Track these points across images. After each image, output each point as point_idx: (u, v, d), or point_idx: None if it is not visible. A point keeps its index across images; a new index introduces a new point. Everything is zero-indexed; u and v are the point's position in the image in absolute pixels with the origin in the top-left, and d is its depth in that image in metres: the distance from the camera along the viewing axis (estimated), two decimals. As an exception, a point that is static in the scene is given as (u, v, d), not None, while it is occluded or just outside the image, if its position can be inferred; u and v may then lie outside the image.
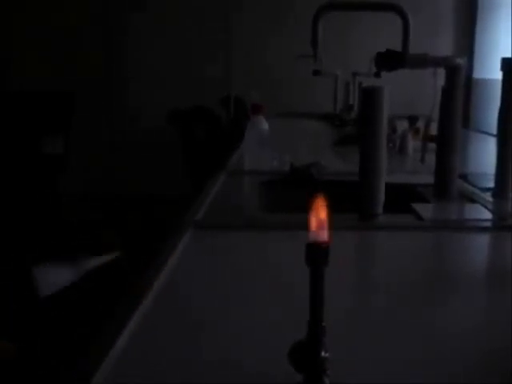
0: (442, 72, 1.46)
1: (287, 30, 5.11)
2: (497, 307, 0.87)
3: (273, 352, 0.65)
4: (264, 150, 1.97)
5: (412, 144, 2.28)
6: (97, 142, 5.32)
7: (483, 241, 1.25)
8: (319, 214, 0.55)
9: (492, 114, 1.57)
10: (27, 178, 4.72)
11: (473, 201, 1.46)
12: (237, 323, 0.77)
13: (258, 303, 0.84)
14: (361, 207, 1.31)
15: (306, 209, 0.56)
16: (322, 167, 1.76)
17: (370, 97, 1.28)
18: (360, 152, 1.31)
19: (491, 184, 1.49)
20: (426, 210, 1.36)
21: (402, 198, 1.47)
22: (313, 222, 0.55)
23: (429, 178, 1.54)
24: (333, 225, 0.56)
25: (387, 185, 1.31)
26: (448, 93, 1.44)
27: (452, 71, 1.43)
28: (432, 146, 1.69)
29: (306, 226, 0.55)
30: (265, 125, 2.02)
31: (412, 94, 4.31)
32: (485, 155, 2.56)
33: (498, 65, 1.44)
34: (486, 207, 1.39)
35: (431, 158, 1.62)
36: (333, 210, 0.57)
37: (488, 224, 1.30)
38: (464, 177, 1.68)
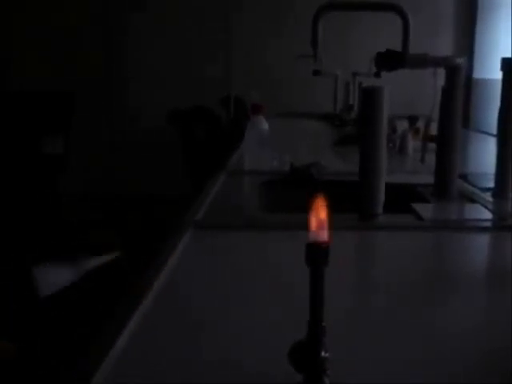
0: (442, 72, 1.46)
1: (287, 30, 5.11)
2: (497, 307, 0.87)
3: (273, 352, 0.65)
4: (264, 149, 1.97)
5: (412, 144, 2.28)
6: (97, 142, 5.32)
7: (483, 241, 1.25)
8: (319, 213, 0.55)
9: (492, 114, 1.57)
10: (27, 178, 4.72)
11: (473, 201, 1.46)
12: (237, 323, 0.77)
13: (257, 303, 0.84)
14: (361, 207, 1.31)
15: (306, 209, 0.56)
16: (322, 167, 1.76)
17: (369, 97, 1.28)
18: (360, 152, 1.31)
19: (491, 184, 1.49)
20: (425, 210, 1.36)
21: (402, 197, 1.47)
22: (313, 222, 0.55)
23: (429, 178, 1.54)
24: (333, 225, 0.56)
25: (387, 185, 1.31)
26: (448, 93, 1.44)
27: (452, 71, 1.43)
28: (432, 146, 1.69)
29: (305, 226, 0.55)
30: (265, 125, 2.01)
31: (412, 94, 4.31)
32: (485, 155, 2.56)
33: (498, 65, 1.44)
34: (486, 207, 1.39)
35: (431, 158, 1.62)
36: (333, 210, 0.57)
37: (488, 224, 1.30)
38: (464, 177, 1.68)
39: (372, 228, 1.27)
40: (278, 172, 1.80)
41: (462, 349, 0.72)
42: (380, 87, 1.29)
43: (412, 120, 2.55)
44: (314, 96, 4.88)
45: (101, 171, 5.31)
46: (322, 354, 0.56)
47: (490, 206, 1.39)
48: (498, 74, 1.46)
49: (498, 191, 1.46)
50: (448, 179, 1.47)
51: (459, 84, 1.43)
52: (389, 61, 1.41)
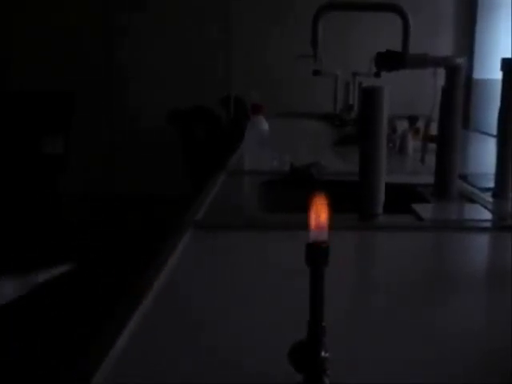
0: (442, 72, 1.46)
1: (287, 30, 5.11)
2: (497, 307, 0.87)
3: (273, 352, 0.65)
4: (264, 149, 1.97)
5: (412, 144, 2.28)
6: (97, 142, 5.32)
7: (483, 241, 1.25)
8: (319, 213, 0.55)
9: (492, 114, 1.57)
10: (27, 178, 4.72)
11: (473, 201, 1.46)
12: (237, 323, 0.77)
13: (257, 303, 0.84)
14: (361, 207, 1.31)
15: (306, 209, 0.56)
16: (322, 167, 1.76)
17: (370, 97, 1.28)
18: (360, 152, 1.31)
19: (491, 184, 1.49)
20: (425, 210, 1.36)
21: (402, 198, 1.47)
22: (313, 222, 0.55)
23: (429, 178, 1.54)
24: (333, 225, 0.56)
25: (387, 185, 1.31)
26: (448, 93, 1.44)
27: (452, 71, 1.43)
28: (432, 146, 1.69)
29: (306, 226, 0.55)
30: (265, 125, 2.02)
31: (412, 94, 4.31)
32: (485, 155, 2.56)
33: (498, 65, 1.44)
34: (485, 207, 1.39)
35: (431, 158, 1.62)
36: (333, 209, 0.57)
37: (488, 224, 1.30)
38: (464, 177, 1.68)
39: (372, 228, 1.27)
40: (278, 172, 1.80)
41: (462, 349, 0.72)
42: (380, 87, 1.29)
43: (412, 120, 2.55)
44: (313, 96, 4.89)
45: (101, 171, 5.31)
46: (322, 354, 0.56)
47: (490, 207, 1.39)
48: (498, 74, 1.46)
49: (498, 191, 1.46)
50: (448, 179, 1.47)
51: (459, 84, 1.43)
52: (389, 61, 1.41)
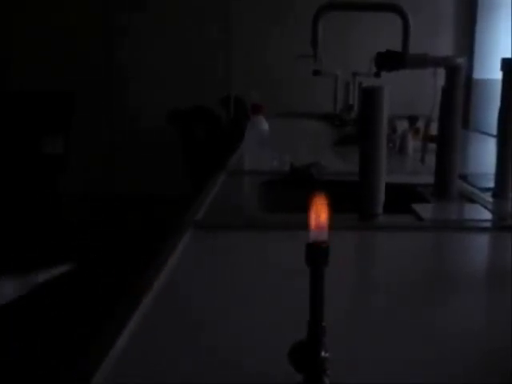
0: (441, 72, 1.46)
1: (287, 30, 5.11)
2: (497, 307, 0.87)
3: (273, 352, 0.65)
4: (264, 149, 1.97)
5: (412, 144, 2.28)
6: (97, 142, 5.32)
7: (483, 241, 1.25)
8: (319, 213, 0.55)
9: (492, 114, 1.57)
10: (27, 178, 4.72)
11: (473, 201, 1.46)
12: (237, 323, 0.77)
13: (257, 303, 0.84)
14: (361, 207, 1.31)
15: (306, 209, 0.56)
16: (322, 167, 1.76)
17: (370, 97, 1.28)
18: (360, 152, 1.31)
19: (491, 184, 1.49)
20: (425, 210, 1.36)
21: (402, 198, 1.47)
22: (313, 222, 0.55)
23: (429, 178, 1.54)
24: (333, 225, 0.56)
25: (387, 185, 1.31)
26: (448, 93, 1.44)
27: (452, 71, 1.43)
28: (432, 146, 1.69)
29: (306, 226, 0.55)
30: (265, 125, 2.02)
31: (412, 94, 4.31)
32: (485, 155, 2.56)
33: (498, 65, 1.44)
34: (485, 207, 1.39)
35: (431, 159, 1.62)
36: (333, 209, 0.57)
37: (488, 224, 1.30)
38: (464, 177, 1.68)
39: (372, 228, 1.27)
40: (278, 172, 1.80)
41: (462, 349, 0.72)
42: (380, 87, 1.29)
43: (412, 120, 2.55)
44: (314, 96, 4.89)
45: (101, 171, 5.31)
46: (322, 354, 0.56)
47: (490, 207, 1.39)
48: (498, 74, 1.46)
49: (498, 191, 1.46)
50: (448, 179, 1.47)
51: (459, 84, 1.43)
52: (389, 61, 1.41)
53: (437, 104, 1.50)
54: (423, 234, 1.24)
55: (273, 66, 5.17)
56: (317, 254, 0.54)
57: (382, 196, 1.30)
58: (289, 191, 1.70)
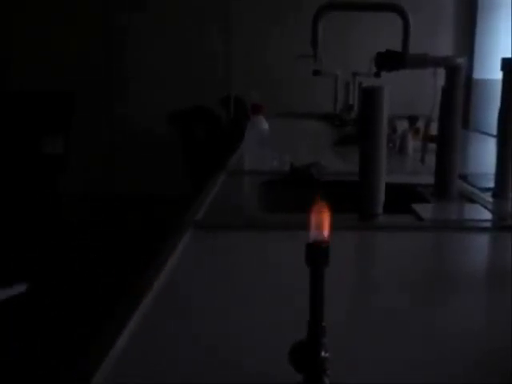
0: (441, 72, 1.46)
1: (287, 30, 5.11)
2: (497, 307, 0.87)
3: (273, 352, 0.65)
4: (264, 149, 1.97)
5: (412, 144, 2.28)
6: (97, 142, 5.32)
7: (483, 241, 1.25)
8: (319, 213, 0.55)
9: (492, 114, 1.57)
10: (27, 178, 4.72)
11: (473, 201, 1.46)
12: (237, 323, 0.77)
13: (258, 303, 0.84)
14: (361, 207, 1.31)
15: (306, 209, 0.56)
16: (322, 167, 1.76)
17: (370, 97, 1.28)
18: (360, 152, 1.31)
19: (491, 184, 1.49)
20: (425, 210, 1.36)
21: (402, 198, 1.47)
22: (313, 222, 0.55)
23: (429, 178, 1.54)
24: (333, 225, 0.56)
25: (387, 185, 1.31)
26: (448, 93, 1.44)
27: (452, 71, 1.43)
28: (432, 146, 1.69)
29: (305, 226, 0.55)
30: (265, 125, 2.01)
31: (412, 94, 4.31)
32: (485, 155, 2.56)
33: (498, 65, 1.44)
34: (485, 207, 1.39)
35: (431, 158, 1.62)
36: (333, 209, 0.57)
37: (488, 224, 1.30)
38: (464, 177, 1.68)
39: (372, 228, 1.27)
40: (278, 172, 1.80)
41: (462, 349, 0.72)
42: (380, 87, 1.29)
43: (412, 120, 2.55)
44: (314, 96, 4.89)
45: (101, 171, 5.31)
46: (322, 353, 0.56)
47: (490, 207, 1.39)
48: (498, 75, 1.46)
49: (498, 191, 1.46)
50: (448, 179, 1.47)
51: (459, 84, 1.43)
52: (389, 61, 1.41)
53: (437, 104, 1.50)
54: (423, 234, 1.24)
55: (273, 66, 5.17)
56: (317, 254, 0.54)
57: (381, 196, 1.30)
58: (289, 191, 1.70)
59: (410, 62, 1.42)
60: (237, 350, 0.70)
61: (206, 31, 5.22)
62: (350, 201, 1.32)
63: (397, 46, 1.45)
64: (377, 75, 2.51)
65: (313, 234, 0.55)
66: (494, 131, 1.50)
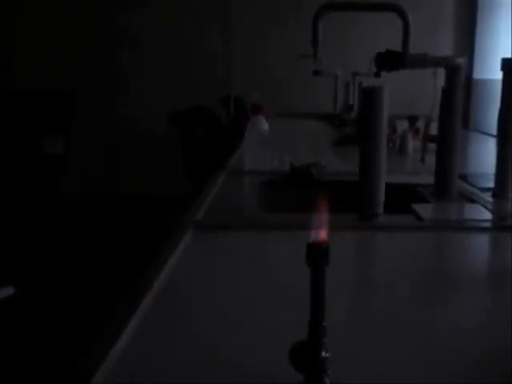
0: (442, 72, 1.46)
1: (287, 30, 5.11)
2: (497, 307, 0.87)
3: (273, 352, 0.65)
4: (264, 149, 1.97)
5: (412, 144, 2.28)
6: (97, 142, 5.32)
7: (483, 241, 1.25)
8: (319, 213, 0.55)
9: (492, 114, 1.57)
10: (27, 178, 4.72)
11: (473, 201, 1.46)
12: (237, 323, 0.77)
13: (257, 303, 0.84)
14: (361, 207, 1.31)
15: (305, 209, 0.56)
16: (322, 167, 1.76)
17: (370, 97, 1.28)
18: (360, 152, 1.31)
19: (491, 184, 1.49)
20: (425, 210, 1.36)
21: (402, 198, 1.47)
22: (313, 222, 0.55)
23: (429, 178, 1.54)
24: (333, 225, 0.56)
25: (387, 185, 1.31)
26: (448, 93, 1.44)
27: (452, 71, 1.43)
28: (432, 146, 1.69)
29: (305, 226, 0.55)
30: (265, 125, 2.01)
31: (412, 94, 4.31)
32: (485, 155, 2.56)
33: (498, 65, 1.44)
34: (486, 207, 1.39)
35: (431, 158, 1.62)
36: (333, 209, 0.57)
37: (488, 224, 1.30)
38: (464, 177, 1.68)
39: (372, 228, 1.27)
40: (278, 172, 1.80)
41: (462, 349, 0.72)
42: (380, 87, 1.29)
43: (412, 120, 2.55)
44: (314, 96, 4.89)
45: (101, 171, 5.31)
46: (323, 353, 0.56)
47: (490, 206, 1.39)
48: (498, 75, 1.46)
49: (498, 191, 1.46)
50: (448, 179, 1.47)
51: (459, 84, 1.43)
52: (389, 61, 1.41)
53: (437, 104, 1.50)
54: (423, 234, 1.24)
55: (273, 66, 5.17)
56: (317, 254, 0.54)
57: (382, 196, 1.30)
58: (289, 191, 1.70)
59: (410, 62, 1.42)
60: (237, 349, 0.70)
61: (206, 31, 5.22)
62: (350, 201, 1.32)
63: (397, 46, 1.45)
64: (377, 75, 2.51)
65: (313, 234, 0.55)
66: (494, 131, 1.50)
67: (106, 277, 3.31)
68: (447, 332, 0.77)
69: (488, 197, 1.47)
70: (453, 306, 0.87)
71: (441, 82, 1.46)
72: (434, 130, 1.64)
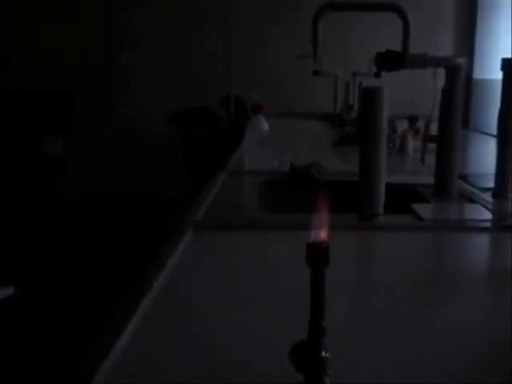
0: (442, 72, 1.46)
1: (287, 30, 5.11)
2: (497, 307, 0.87)
3: (273, 352, 0.65)
4: (264, 149, 1.97)
5: (412, 144, 2.28)
6: (97, 142, 5.32)
7: (483, 241, 1.25)
8: (319, 213, 0.55)
9: (492, 114, 1.57)
10: (27, 178, 4.72)
11: (473, 201, 1.46)
12: (237, 323, 0.77)
13: (257, 303, 0.84)
14: (361, 207, 1.31)
15: (305, 209, 0.56)
16: (322, 167, 1.76)
17: (370, 97, 1.28)
18: (360, 152, 1.31)
19: (491, 184, 1.49)
20: (426, 210, 1.36)
21: (402, 198, 1.47)
22: (313, 222, 0.55)
23: (429, 179, 1.54)
24: (333, 225, 0.56)
25: (387, 185, 1.31)
26: (448, 93, 1.44)
27: (452, 71, 1.43)
28: (432, 146, 1.69)
29: (305, 226, 0.55)
30: (265, 125, 2.01)
31: (412, 93, 4.31)
32: (485, 155, 2.56)
33: (498, 65, 1.44)
34: (486, 207, 1.39)
35: (431, 158, 1.62)
36: (333, 209, 0.57)
37: (488, 224, 1.30)
38: (464, 177, 1.68)
39: (372, 228, 1.27)
40: (278, 172, 1.80)
41: (462, 349, 0.72)
42: (380, 87, 1.29)
43: (412, 120, 2.55)
44: (314, 96, 4.89)
45: (101, 171, 5.31)
46: (323, 353, 0.56)
47: (490, 207, 1.39)
48: (498, 75, 1.46)
49: (498, 191, 1.46)
50: (448, 179, 1.47)
51: (459, 84, 1.43)
52: (389, 61, 1.41)
53: (437, 104, 1.50)
54: (423, 234, 1.24)
55: (273, 66, 5.17)
56: (317, 254, 0.54)
57: (382, 196, 1.30)
58: (289, 191, 1.70)
59: (410, 62, 1.42)
60: (237, 349, 0.70)
61: (206, 31, 5.22)
62: (350, 201, 1.32)
63: (397, 46, 1.45)
64: (377, 75, 2.52)
65: (313, 234, 0.55)
66: (494, 131, 1.50)
67: (106, 277, 3.31)
68: (447, 332, 0.77)
69: (488, 197, 1.47)
70: (453, 305, 0.87)
71: (441, 81, 1.46)
72: (434, 130, 1.64)
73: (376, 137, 1.28)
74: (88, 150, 5.23)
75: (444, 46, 5.03)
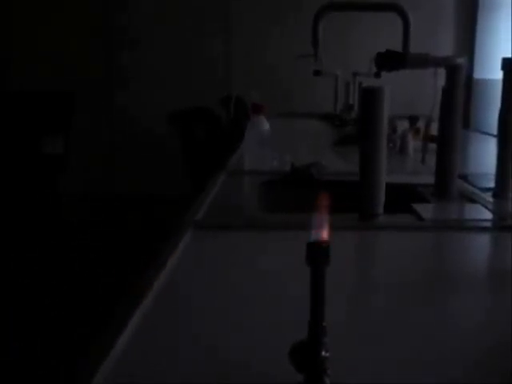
0: (442, 72, 1.46)
1: (287, 30, 5.11)
2: (497, 307, 0.87)
3: (273, 352, 0.65)
4: (264, 149, 1.97)
5: (412, 144, 2.28)
6: (97, 142, 5.32)
7: (483, 241, 1.25)
8: (320, 213, 0.55)
9: (492, 114, 1.57)
10: (27, 178, 4.72)
11: (473, 201, 1.46)
12: (237, 323, 0.77)
13: (257, 303, 0.84)
14: (361, 207, 1.31)
15: (306, 209, 0.56)
16: (322, 167, 1.76)
17: (370, 97, 1.28)
18: (360, 152, 1.31)
19: (491, 184, 1.49)
20: (426, 210, 1.36)
21: (403, 198, 1.46)
22: (313, 222, 0.55)
23: (429, 178, 1.54)
24: (333, 225, 0.56)
25: (387, 185, 1.31)
26: (448, 93, 1.44)
27: (452, 71, 1.43)
28: (432, 146, 1.69)
29: (306, 226, 0.55)
30: (265, 125, 2.01)
31: (412, 93, 4.31)
32: (485, 155, 2.56)
33: (499, 65, 1.44)
34: (486, 207, 1.39)
35: (431, 158, 1.62)
36: (333, 209, 0.57)
37: (488, 224, 1.30)
38: (464, 177, 1.68)
39: (372, 228, 1.27)
40: (278, 172, 1.80)
41: (462, 349, 0.72)
42: (380, 87, 1.29)
43: (412, 120, 2.55)
44: (314, 96, 4.89)
45: (101, 171, 5.31)
46: (323, 353, 0.56)
47: (490, 206, 1.39)
48: (498, 74, 1.46)
49: (499, 191, 1.46)
50: (448, 179, 1.47)
51: (459, 84, 1.43)
52: (389, 61, 1.40)
53: (437, 104, 1.50)
54: (423, 234, 1.24)
55: (273, 66, 5.17)
56: (317, 254, 0.54)
57: (382, 196, 1.30)
58: (289, 191, 1.70)
59: (410, 62, 1.41)
60: (237, 349, 0.70)
61: (206, 31, 5.22)
62: (350, 201, 1.32)
63: (397, 46, 1.45)
64: (377, 75, 2.51)
65: (313, 234, 0.55)
66: (495, 131, 1.50)
67: (106, 277, 3.31)
68: (447, 332, 0.77)
69: (488, 197, 1.47)
70: (453, 305, 0.86)
71: (441, 81, 1.46)
72: (434, 129, 1.64)
73: (376, 137, 1.28)
74: (88, 149, 5.23)
75: (444, 45, 5.03)
